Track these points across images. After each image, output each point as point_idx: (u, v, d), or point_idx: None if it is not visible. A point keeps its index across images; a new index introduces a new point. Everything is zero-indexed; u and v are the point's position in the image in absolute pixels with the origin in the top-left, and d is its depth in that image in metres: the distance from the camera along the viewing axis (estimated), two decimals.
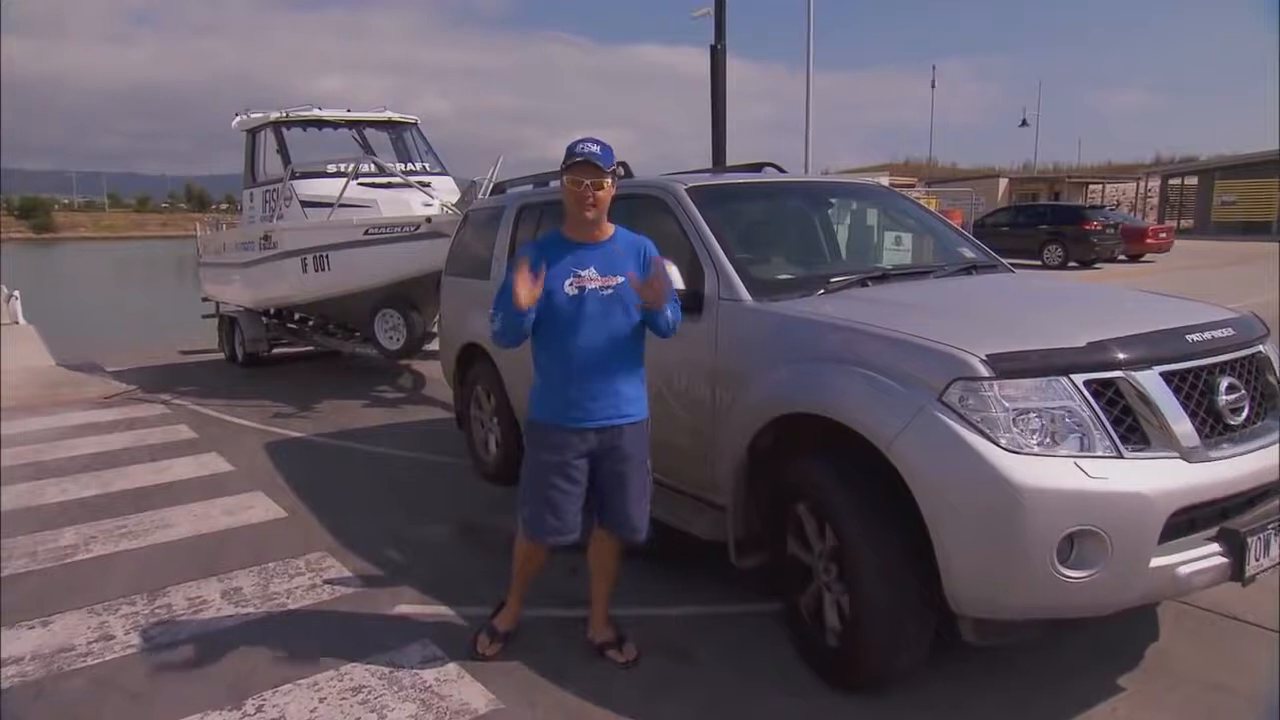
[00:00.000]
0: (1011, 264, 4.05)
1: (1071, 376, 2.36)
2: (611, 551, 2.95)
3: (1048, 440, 2.30)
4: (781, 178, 4.43)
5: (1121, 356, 2.43)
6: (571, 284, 2.65)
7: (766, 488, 2.99)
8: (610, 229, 2.76)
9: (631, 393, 2.76)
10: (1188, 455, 2.37)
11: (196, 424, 6.83)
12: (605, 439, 2.72)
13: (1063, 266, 19.72)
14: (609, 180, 2.64)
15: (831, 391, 2.65)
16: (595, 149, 2.61)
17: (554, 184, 4.71)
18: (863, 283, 3.32)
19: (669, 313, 2.68)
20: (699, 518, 3.28)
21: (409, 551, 4.02)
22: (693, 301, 3.22)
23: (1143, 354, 2.46)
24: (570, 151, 2.62)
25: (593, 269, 2.68)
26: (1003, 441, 2.27)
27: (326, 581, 3.69)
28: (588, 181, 2.60)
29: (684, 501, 3.39)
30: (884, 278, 3.44)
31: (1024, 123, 40.70)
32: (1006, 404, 2.31)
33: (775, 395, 2.87)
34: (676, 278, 3.14)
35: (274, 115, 8.78)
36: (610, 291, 2.68)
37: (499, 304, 2.67)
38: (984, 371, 2.34)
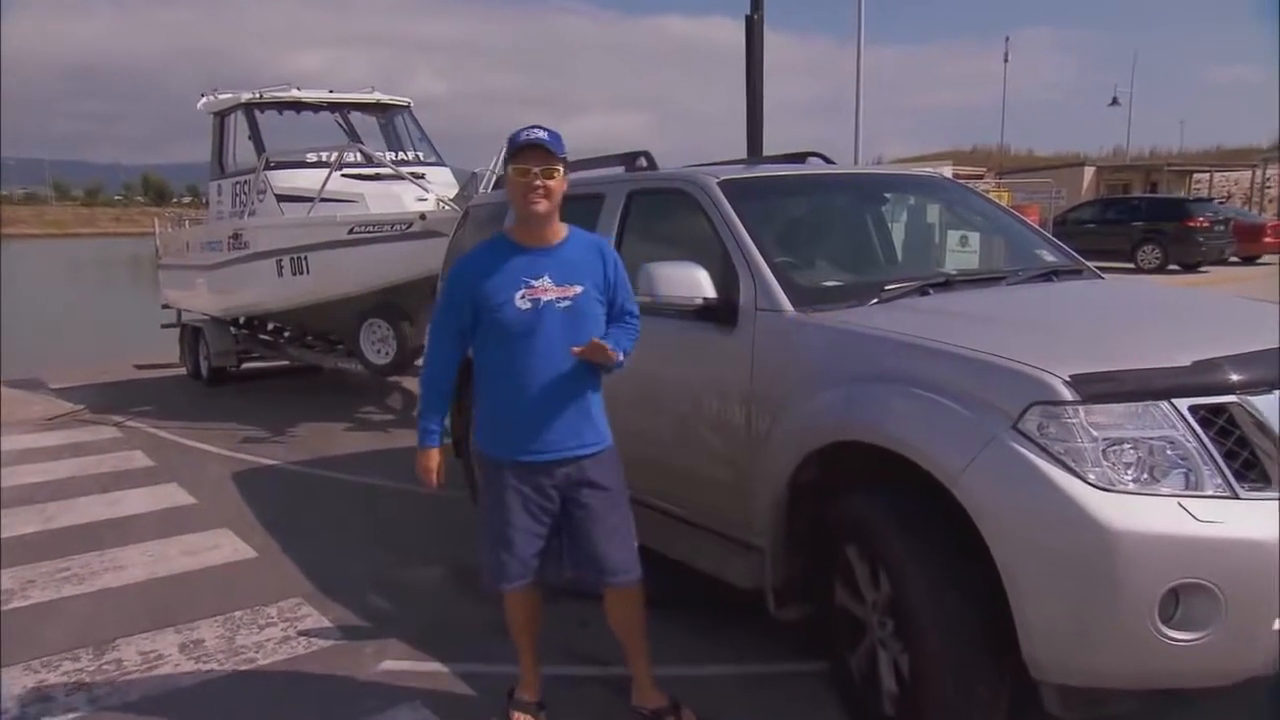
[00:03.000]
0: (1099, 268, 4.02)
1: (1174, 401, 2.33)
2: (629, 603, 2.90)
3: (1145, 476, 2.27)
4: (828, 169, 4.43)
5: (1235, 378, 2.39)
6: (524, 296, 2.64)
7: (811, 527, 2.97)
8: (564, 230, 2.75)
9: (598, 415, 2.79)
10: None
11: (153, 450, 6.91)
12: (570, 473, 2.73)
13: (1161, 270, 19.55)
14: (560, 169, 2.63)
15: (887, 416, 2.64)
16: (543, 134, 2.62)
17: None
18: (923, 291, 3.32)
19: (621, 356, 2.70)
20: (732, 561, 3.27)
21: (397, 598, 4.04)
22: (726, 312, 3.23)
23: (1261, 375, 2.42)
24: (514, 140, 2.63)
25: (547, 278, 2.65)
26: (1091, 477, 2.25)
27: (302, 633, 3.71)
28: (536, 169, 2.58)
29: (715, 542, 3.38)
30: (948, 285, 3.44)
31: (1115, 101, 40.38)
32: (1095, 433, 2.29)
33: (821, 420, 2.86)
34: (706, 285, 3.16)
35: (245, 96, 8.93)
36: (569, 303, 2.66)
37: (434, 339, 2.79)
38: (1067, 395, 2.32)
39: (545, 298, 2.65)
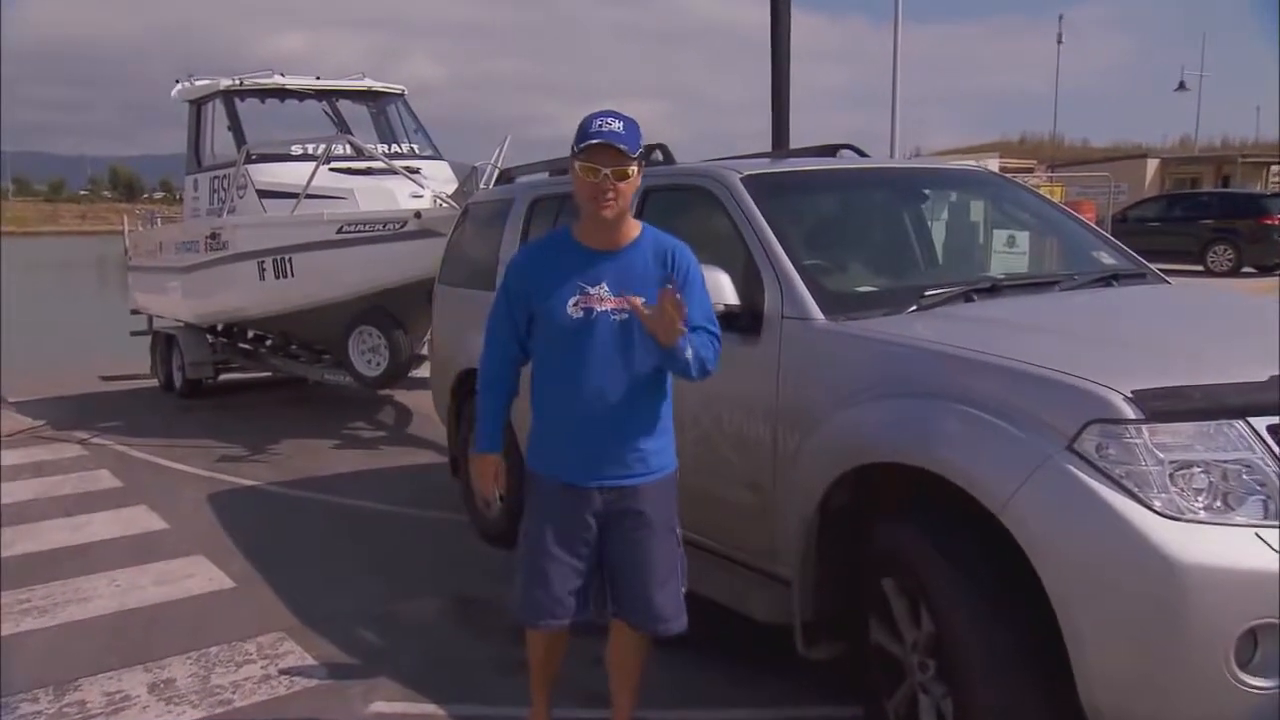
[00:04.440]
0: (1165, 271, 4.00)
1: (1250, 420, 2.32)
2: (635, 645, 2.87)
3: (1218, 503, 2.25)
4: (862, 163, 4.44)
5: None
6: (577, 304, 2.59)
7: (843, 557, 2.97)
8: (635, 230, 2.67)
9: (654, 443, 2.70)
10: None
11: (121, 469, 6.94)
12: (617, 500, 2.66)
13: (1234, 273, 19.42)
14: (634, 168, 2.54)
15: (928, 435, 2.63)
16: (618, 125, 2.51)
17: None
18: (967, 296, 3.32)
19: (689, 350, 2.51)
20: (756, 594, 3.27)
21: (389, 633, 4.04)
22: (749, 320, 3.23)
23: None
24: (584, 130, 2.53)
25: (605, 285, 2.59)
26: (1156, 504, 2.23)
27: (283, 672, 3.71)
28: (606, 170, 2.50)
29: (737, 573, 3.38)
30: (994, 290, 3.43)
31: (1182, 85, 40.23)
32: (1160, 455, 2.27)
33: (855, 439, 2.85)
34: (727, 290, 3.15)
35: (225, 83, 9.00)
36: (627, 315, 2.56)
37: (489, 334, 2.78)
38: (1129, 412, 2.31)
39: (599, 308, 2.59)
